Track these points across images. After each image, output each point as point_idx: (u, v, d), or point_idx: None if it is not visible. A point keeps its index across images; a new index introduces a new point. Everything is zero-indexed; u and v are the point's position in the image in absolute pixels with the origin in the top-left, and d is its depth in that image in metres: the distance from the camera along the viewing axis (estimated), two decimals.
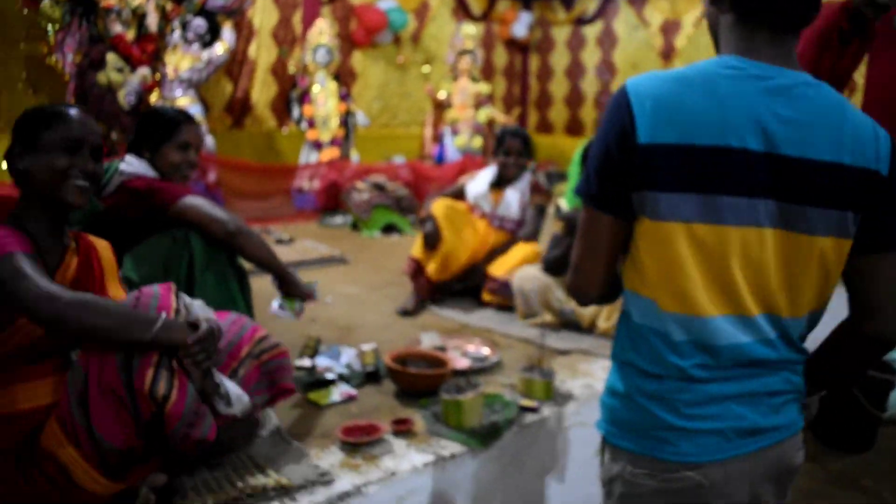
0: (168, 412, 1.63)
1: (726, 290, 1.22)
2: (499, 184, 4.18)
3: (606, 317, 3.51)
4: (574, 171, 3.61)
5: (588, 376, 3.00)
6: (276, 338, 2.22)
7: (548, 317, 3.63)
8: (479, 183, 4.22)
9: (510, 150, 4.10)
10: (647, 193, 1.20)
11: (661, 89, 1.20)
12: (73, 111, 1.77)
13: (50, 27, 6.29)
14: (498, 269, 3.95)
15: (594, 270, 1.30)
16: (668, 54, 9.59)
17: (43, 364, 1.72)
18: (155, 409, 1.64)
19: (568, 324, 3.62)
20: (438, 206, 4.00)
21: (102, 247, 1.91)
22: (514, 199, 4.11)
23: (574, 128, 10.89)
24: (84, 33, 6.27)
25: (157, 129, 2.56)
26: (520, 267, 3.81)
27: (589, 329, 3.58)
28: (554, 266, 3.63)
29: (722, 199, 1.18)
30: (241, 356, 2.08)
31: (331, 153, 7.17)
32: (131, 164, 2.54)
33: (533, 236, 4.12)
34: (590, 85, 10.64)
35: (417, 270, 3.97)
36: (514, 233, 4.14)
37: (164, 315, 1.69)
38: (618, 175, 1.22)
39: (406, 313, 3.84)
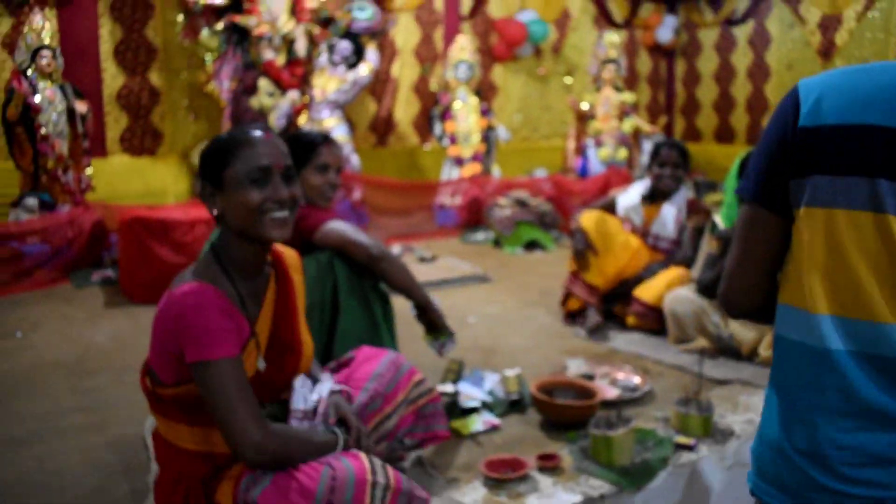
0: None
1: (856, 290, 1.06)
2: (653, 198, 3.96)
3: (769, 345, 3.24)
4: (731, 185, 3.37)
5: (750, 410, 2.78)
6: (427, 378, 2.18)
7: (703, 342, 3.41)
8: (630, 196, 4.02)
9: (666, 162, 3.88)
10: (806, 179, 1.09)
11: (834, 76, 1.11)
12: (255, 135, 1.60)
13: (208, 56, 6.68)
14: (645, 292, 3.72)
15: (749, 275, 1.19)
16: (827, 52, 8.93)
17: None
18: None
19: (725, 350, 3.38)
20: (588, 219, 3.80)
21: (293, 268, 1.80)
22: (669, 215, 3.88)
23: (724, 135, 10.37)
24: (239, 61, 6.61)
25: (295, 154, 2.53)
26: (668, 291, 3.59)
27: (749, 357, 3.32)
28: (709, 288, 3.40)
29: (848, 178, 1.05)
30: (397, 401, 2.05)
31: (472, 169, 7.16)
32: None
33: (689, 261, 3.85)
34: (741, 89, 10.10)
35: (578, 281, 3.83)
36: (668, 253, 3.90)
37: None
38: (779, 164, 1.12)
39: (594, 331, 3.71)
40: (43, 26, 5.67)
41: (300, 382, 1.75)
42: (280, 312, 1.71)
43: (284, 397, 1.75)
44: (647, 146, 8.67)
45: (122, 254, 4.73)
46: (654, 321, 3.65)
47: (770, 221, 1.15)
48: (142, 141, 7.29)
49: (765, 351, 3.24)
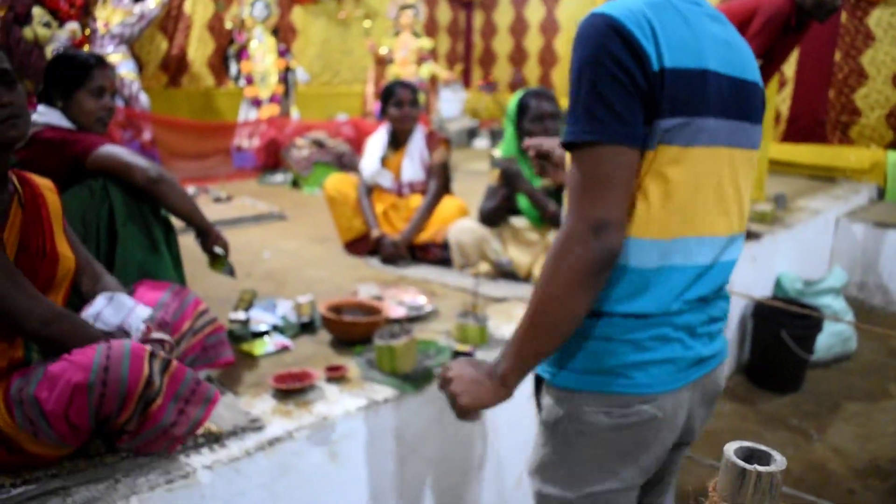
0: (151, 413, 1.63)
1: (725, 210, 1.28)
2: (395, 144, 4.08)
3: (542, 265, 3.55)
4: (509, 123, 3.60)
5: None
6: (210, 308, 2.21)
7: (485, 267, 3.66)
8: (370, 159, 4.06)
9: (403, 101, 3.96)
10: (655, 122, 1.16)
11: (647, 16, 1.16)
12: None
13: None
14: (425, 235, 3.91)
15: (622, 219, 1.18)
16: None
17: None
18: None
19: (505, 274, 3.65)
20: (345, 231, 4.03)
21: (48, 190, 1.81)
22: (414, 162, 4.00)
23: (518, 85, 10.89)
24: None
25: (67, 75, 2.43)
26: (448, 224, 3.80)
27: (526, 278, 3.62)
28: (490, 217, 3.65)
29: (706, 120, 1.20)
30: (182, 330, 2.07)
31: (270, 110, 7.04)
32: (43, 115, 2.43)
33: (438, 199, 3.97)
34: (533, 42, 10.62)
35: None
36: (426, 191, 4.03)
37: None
38: (636, 105, 1.15)
39: (389, 260, 3.85)
40: None
41: (104, 301, 1.74)
42: (28, 220, 1.70)
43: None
44: (444, 93, 8.94)
45: None
46: (440, 253, 3.86)
47: (636, 157, 1.17)
48: None
49: (539, 272, 3.54)
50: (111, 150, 2.40)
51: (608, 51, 1.14)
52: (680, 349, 1.26)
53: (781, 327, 4.10)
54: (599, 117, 1.14)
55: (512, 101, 3.57)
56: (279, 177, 6.37)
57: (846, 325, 4.55)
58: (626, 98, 1.14)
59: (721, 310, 1.35)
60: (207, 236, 2.63)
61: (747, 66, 1.29)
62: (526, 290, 3.45)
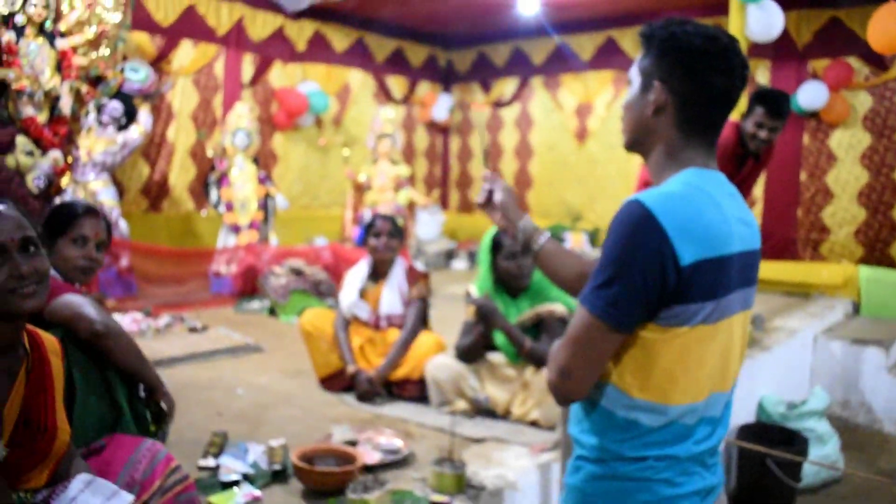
0: None
1: (735, 362, 1.46)
2: (375, 276, 4.11)
3: (521, 402, 3.51)
4: (484, 258, 3.64)
5: (501, 465, 2.98)
6: (181, 465, 2.13)
7: (462, 404, 3.62)
8: (349, 292, 4.07)
9: (381, 232, 4.01)
10: (683, 307, 1.32)
11: (682, 210, 1.31)
12: None
13: None
14: (402, 371, 3.87)
15: (589, 378, 1.39)
16: (581, 135, 9.97)
17: None
18: None
19: (483, 411, 3.61)
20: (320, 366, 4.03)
21: (54, 355, 1.76)
22: (394, 293, 4.02)
23: None
24: None
25: (52, 222, 2.42)
26: (424, 360, 3.78)
27: (504, 416, 3.57)
28: (467, 353, 3.64)
29: (728, 296, 1.38)
30: (153, 489, 2.00)
31: (249, 236, 7.10)
32: None
33: (415, 334, 3.95)
34: (508, 165, 10.92)
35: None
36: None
37: None
38: (654, 297, 1.31)
39: (364, 398, 3.81)
40: None
41: (81, 485, 1.67)
42: (33, 393, 1.65)
43: (29, 484, 1.66)
44: (422, 216, 9.08)
45: None
46: (417, 390, 3.82)
47: (619, 340, 1.36)
48: None
49: (517, 409, 3.51)
50: (66, 300, 2.27)
51: (642, 247, 1.29)
52: (700, 481, 1.41)
53: (766, 455, 4.05)
54: (618, 305, 1.32)
55: (485, 238, 3.63)
56: (256, 304, 6.34)
57: (833, 449, 4.51)
58: (645, 295, 1.30)
59: (719, 439, 1.47)
60: (154, 394, 2.51)
61: (755, 236, 1.45)
62: (504, 429, 3.40)
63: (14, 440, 1.60)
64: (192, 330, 5.26)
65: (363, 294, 4.04)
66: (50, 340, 1.79)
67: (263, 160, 8.18)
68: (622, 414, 1.40)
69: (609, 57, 9.42)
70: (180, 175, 8.21)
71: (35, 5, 6.15)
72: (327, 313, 4.13)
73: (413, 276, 4.05)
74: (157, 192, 7.97)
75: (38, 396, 1.67)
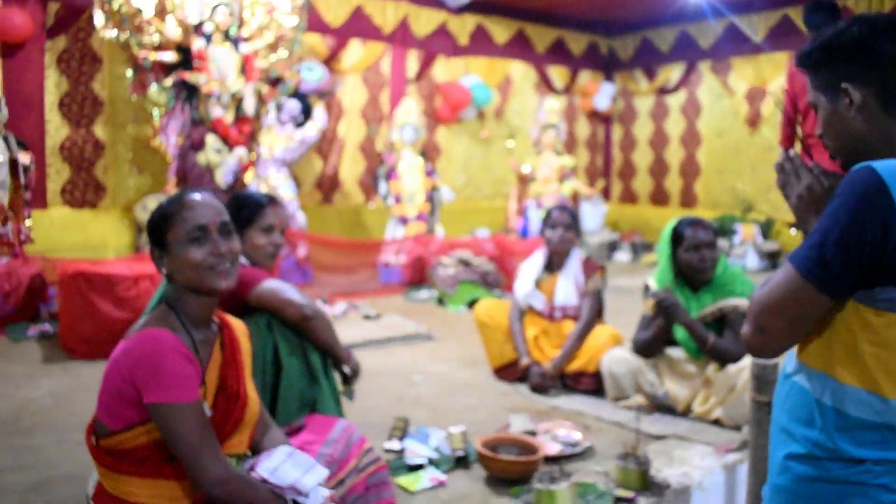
0: None
1: None
2: (551, 267, 4.08)
3: (702, 400, 3.39)
4: (664, 250, 3.53)
5: (684, 464, 2.90)
6: (373, 447, 2.23)
7: (640, 399, 3.54)
8: (525, 281, 4.06)
9: (557, 224, 3.98)
10: None
11: None
12: (190, 197, 1.75)
13: (155, 111, 6.70)
14: (577, 364, 3.83)
15: (787, 340, 1.36)
16: (754, 122, 9.47)
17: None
18: None
19: (661, 407, 3.51)
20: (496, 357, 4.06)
21: (242, 335, 1.91)
22: (568, 287, 3.96)
23: (659, 198, 10.80)
24: (186, 117, 6.65)
25: (241, 214, 2.60)
26: (601, 353, 3.72)
27: (684, 413, 3.46)
28: (645, 348, 3.55)
29: None
30: (348, 468, 2.11)
31: (417, 228, 7.30)
32: None
33: (590, 326, 3.89)
34: (674, 154, 10.56)
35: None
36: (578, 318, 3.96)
37: None
38: (868, 267, 1.24)
39: (538, 389, 3.80)
40: None
41: (284, 456, 1.80)
42: (227, 364, 1.79)
43: (231, 451, 1.78)
44: (585, 207, 8.96)
45: (63, 308, 4.64)
46: (592, 383, 3.77)
47: (824, 304, 1.30)
48: (83, 193, 7.23)
49: (699, 407, 3.38)
50: (270, 286, 2.52)
51: (866, 213, 1.22)
52: None
53: None
54: (829, 268, 1.25)
55: (666, 230, 3.52)
56: (424, 293, 6.51)
57: None
58: (860, 260, 1.24)
59: None
60: (344, 363, 2.69)
61: None
62: (686, 427, 3.30)
63: (214, 406, 1.73)
64: (367, 317, 5.47)
65: (538, 285, 4.03)
66: (237, 322, 1.94)
67: (427, 153, 8.37)
68: (835, 405, 1.32)
69: (784, 37, 8.88)
70: (351, 169, 8.56)
71: (222, 14, 6.61)
72: (502, 304, 4.16)
73: (589, 268, 4.00)
74: (329, 186, 8.36)
75: (231, 368, 1.80)
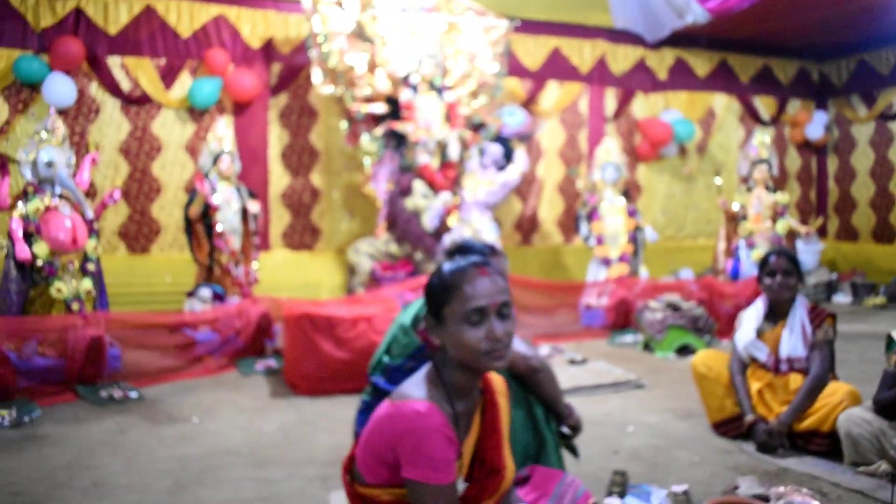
0: None
1: None
2: (773, 317, 3.79)
3: None
4: None
5: None
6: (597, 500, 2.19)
7: (884, 466, 3.21)
8: (745, 331, 3.81)
9: (776, 270, 3.70)
10: None
11: None
12: (471, 273, 1.69)
13: (367, 160, 7.12)
14: (809, 422, 3.53)
15: None
16: None
17: None
18: None
19: None
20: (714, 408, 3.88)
21: (502, 395, 1.89)
22: (794, 337, 3.67)
23: (883, 234, 9.88)
24: (395, 164, 7.01)
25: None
26: (836, 412, 3.41)
27: None
28: (888, 408, 3.22)
29: None
30: None
31: (619, 269, 7.16)
32: None
33: (823, 381, 3.57)
34: None
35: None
36: (807, 371, 3.65)
37: None
38: None
39: (764, 448, 3.57)
40: (224, 134, 6.27)
41: None
42: (486, 434, 1.80)
43: None
44: (798, 245, 8.37)
45: (288, 346, 5.00)
46: (825, 444, 3.47)
47: None
48: (301, 237, 7.79)
49: None
50: None
51: None
52: None
53: None
54: None
55: None
56: (629, 337, 6.35)
57: None
58: None
59: None
60: (565, 419, 2.66)
61: None
62: None
63: (469, 477, 1.75)
64: (572, 362, 5.41)
65: (760, 335, 3.79)
66: (499, 382, 1.92)
67: (630, 193, 8.22)
68: None
69: None
70: (549, 210, 8.59)
71: (427, 65, 6.92)
72: (721, 355, 3.96)
73: (818, 317, 3.70)
74: (528, 227, 8.43)
75: (491, 437, 1.81)
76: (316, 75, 6.91)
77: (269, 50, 7.51)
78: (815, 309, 3.76)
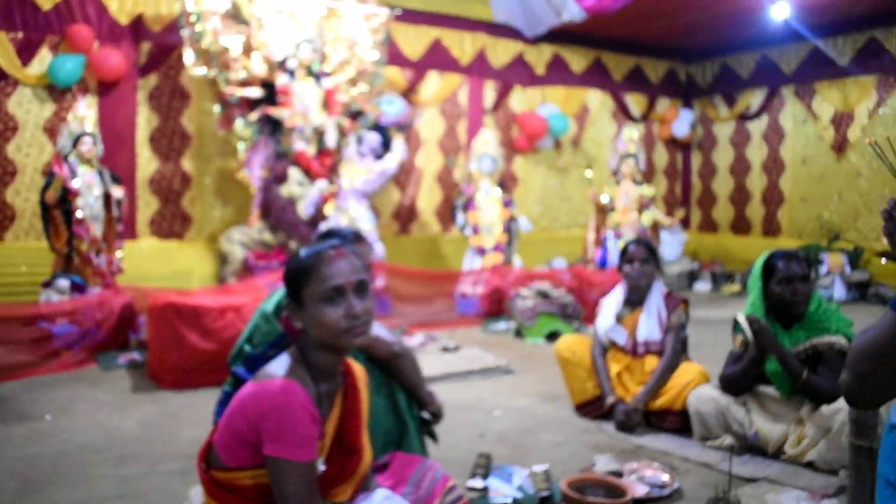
0: None
1: None
2: (632, 303, 3.98)
3: (795, 442, 3.24)
4: (755, 283, 3.41)
5: None
6: (457, 484, 2.21)
7: (728, 440, 3.40)
8: (605, 317, 3.99)
9: (634, 258, 3.89)
10: None
11: None
12: (327, 253, 1.73)
13: (241, 145, 6.93)
14: (662, 401, 3.72)
15: (890, 390, 1.30)
16: (841, 147, 9.15)
17: None
18: None
19: (751, 448, 3.38)
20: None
21: (362, 381, 1.91)
22: (651, 322, 3.87)
23: (740, 226, 10.51)
24: (270, 150, 6.85)
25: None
26: (687, 391, 3.61)
27: (775, 455, 3.32)
28: (734, 384, 3.42)
29: None
30: None
31: (494, 258, 7.29)
32: None
33: (675, 363, 3.79)
34: (756, 182, 10.29)
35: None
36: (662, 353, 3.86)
37: None
38: None
39: (623, 427, 3.71)
40: (86, 114, 5.93)
41: (381, 497, 1.80)
42: (347, 416, 1.81)
43: (336, 498, 1.80)
44: (663, 237, 8.79)
45: (152, 338, 4.78)
46: (678, 421, 3.66)
47: None
48: (171, 225, 7.49)
49: (791, 449, 3.24)
50: None
51: None
52: None
53: None
54: None
55: (758, 262, 3.41)
56: (502, 325, 6.48)
57: None
58: None
59: None
60: (426, 406, 2.70)
61: None
62: (778, 470, 3.16)
63: (329, 458, 1.74)
64: (445, 349, 5.47)
65: (620, 320, 3.95)
66: (359, 369, 1.94)
67: (505, 184, 8.38)
68: None
69: (871, 59, 8.58)
70: (428, 200, 8.63)
71: (305, 50, 6.80)
72: (584, 340, 4.10)
73: (672, 302, 3.90)
74: (407, 216, 8.44)
75: (351, 420, 1.82)
76: (188, 56, 6.65)
77: (138, 27, 7.17)
78: (670, 295, 3.95)
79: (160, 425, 3.87)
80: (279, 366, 1.71)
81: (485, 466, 3.09)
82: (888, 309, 1.27)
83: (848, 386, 1.32)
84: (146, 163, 7.35)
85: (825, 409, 3.18)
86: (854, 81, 8.87)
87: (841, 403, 3.09)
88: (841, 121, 9.17)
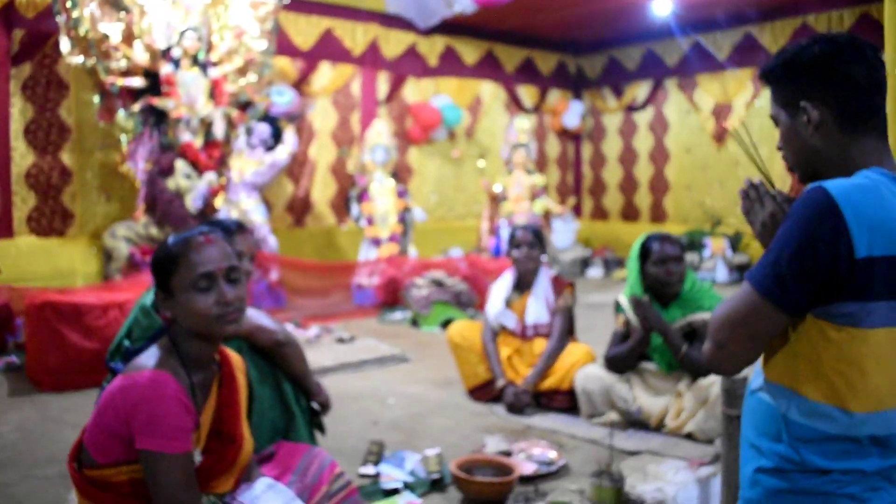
0: None
1: None
2: (520, 287, 4.09)
3: (675, 415, 3.41)
4: (633, 265, 3.56)
5: (659, 479, 2.89)
6: (345, 471, 2.21)
7: (613, 416, 3.55)
8: (494, 302, 4.09)
9: (522, 243, 4.00)
10: (858, 304, 1.27)
11: (865, 201, 1.26)
12: (196, 240, 1.69)
13: (123, 137, 6.65)
14: (550, 382, 3.84)
15: (746, 357, 1.37)
16: (720, 137, 9.62)
17: None
18: None
19: (635, 423, 3.53)
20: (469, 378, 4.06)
21: (240, 371, 1.88)
22: (539, 305, 3.99)
23: (629, 214, 10.90)
24: (155, 142, 6.61)
25: None
26: (574, 370, 3.74)
27: (657, 428, 3.48)
28: (617, 364, 3.57)
29: None
30: (319, 494, 2.09)
31: (389, 249, 7.29)
32: None
33: (563, 344, 3.93)
34: (643, 171, 10.68)
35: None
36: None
37: None
38: (822, 284, 1.27)
39: (513, 409, 3.80)
40: None
41: (264, 486, 1.78)
42: (223, 405, 1.77)
43: (217, 489, 1.77)
44: (556, 225, 9.02)
45: (30, 339, 4.55)
46: (566, 401, 3.78)
47: (782, 321, 1.32)
48: (50, 221, 7.12)
49: (671, 421, 3.40)
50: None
51: (817, 232, 1.26)
52: (887, 497, 1.33)
53: None
54: (785, 286, 1.29)
55: (634, 245, 3.56)
56: (398, 314, 6.49)
57: None
58: (814, 277, 1.27)
59: None
60: (313, 396, 2.68)
61: None
62: (659, 442, 3.32)
63: (207, 448, 1.71)
64: (340, 341, 5.44)
65: (509, 304, 4.04)
66: (236, 358, 1.91)
67: (399, 174, 8.39)
68: (800, 419, 1.35)
69: (748, 54, 9.04)
70: (322, 191, 8.54)
71: (190, 38, 6.59)
72: (475, 325, 4.17)
73: (559, 286, 4.02)
74: (301, 209, 8.33)
75: (228, 409, 1.79)
76: (64, 44, 6.33)
77: (9, 13, 6.74)
78: (557, 279, 4.07)
79: (39, 429, 3.70)
80: (149, 357, 1.66)
81: (377, 453, 3.10)
82: (744, 280, 1.35)
83: (709, 354, 1.39)
84: (21, 157, 6.95)
85: (702, 381, 3.36)
86: (732, 75, 9.32)
87: (715, 377, 3.27)
88: (720, 112, 9.63)
